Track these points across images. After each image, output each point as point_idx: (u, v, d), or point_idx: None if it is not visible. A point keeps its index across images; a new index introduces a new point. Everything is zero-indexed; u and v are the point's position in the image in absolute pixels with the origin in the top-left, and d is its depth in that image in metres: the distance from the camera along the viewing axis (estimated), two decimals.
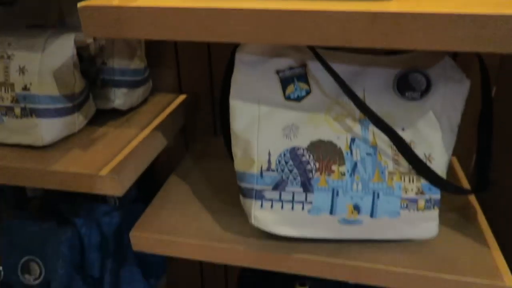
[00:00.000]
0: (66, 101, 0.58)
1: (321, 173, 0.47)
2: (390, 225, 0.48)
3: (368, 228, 0.49)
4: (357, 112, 0.49)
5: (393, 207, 0.48)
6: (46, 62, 0.56)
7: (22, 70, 0.55)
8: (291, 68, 0.49)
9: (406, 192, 0.48)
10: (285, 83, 0.49)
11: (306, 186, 0.47)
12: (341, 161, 0.48)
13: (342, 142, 0.48)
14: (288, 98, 0.49)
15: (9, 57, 0.56)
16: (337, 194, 0.47)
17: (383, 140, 0.49)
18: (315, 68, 0.49)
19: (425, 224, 0.49)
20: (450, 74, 0.49)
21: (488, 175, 0.52)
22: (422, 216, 0.48)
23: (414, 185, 0.48)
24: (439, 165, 0.48)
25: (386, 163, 0.48)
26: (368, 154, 0.48)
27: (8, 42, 0.57)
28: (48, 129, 0.57)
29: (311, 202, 0.48)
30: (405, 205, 0.48)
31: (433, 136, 0.48)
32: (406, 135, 0.48)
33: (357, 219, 0.48)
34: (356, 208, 0.48)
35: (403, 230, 0.49)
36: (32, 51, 0.56)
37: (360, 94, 0.49)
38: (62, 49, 0.57)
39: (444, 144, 0.49)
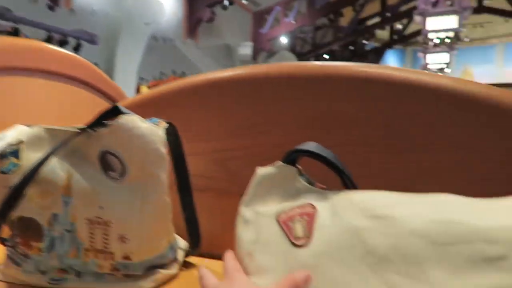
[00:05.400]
0: None
1: (25, 247, 0.50)
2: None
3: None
4: (61, 189, 0.48)
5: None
6: None
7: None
8: (10, 144, 0.49)
9: (101, 268, 0.50)
10: (1, 157, 0.48)
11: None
12: (41, 238, 0.49)
13: (43, 219, 0.49)
14: (1, 171, 0.48)
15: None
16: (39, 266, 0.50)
17: (82, 217, 0.48)
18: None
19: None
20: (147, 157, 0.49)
21: (198, 235, 0.58)
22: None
23: (108, 262, 0.49)
24: (134, 245, 0.49)
25: (83, 239, 0.49)
26: (67, 231, 0.49)
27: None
28: None
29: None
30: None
31: (130, 218, 0.48)
32: (104, 214, 0.48)
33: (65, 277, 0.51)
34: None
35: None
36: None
37: (68, 170, 0.49)
38: None
39: (141, 225, 0.49)
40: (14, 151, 0.48)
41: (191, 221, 0.57)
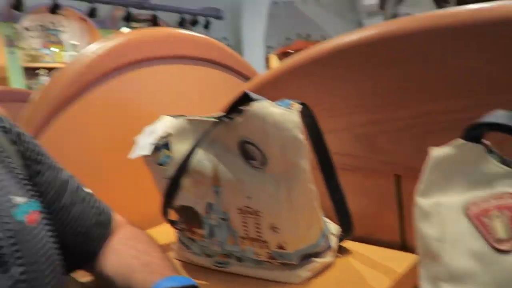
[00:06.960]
0: None
1: (189, 233, 0.53)
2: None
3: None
4: (210, 179, 0.48)
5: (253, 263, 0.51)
6: None
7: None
8: (161, 137, 0.51)
9: (258, 256, 0.49)
10: (156, 150, 0.51)
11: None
12: (201, 225, 0.51)
13: (201, 207, 0.50)
14: (158, 163, 0.51)
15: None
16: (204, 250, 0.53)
17: (233, 207, 0.48)
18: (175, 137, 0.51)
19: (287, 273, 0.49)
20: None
21: (349, 219, 0.54)
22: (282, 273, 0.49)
23: (264, 251, 0.48)
24: (285, 235, 0.46)
25: (237, 228, 0.48)
26: (222, 219, 0.49)
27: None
28: None
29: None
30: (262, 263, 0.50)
31: (277, 208, 0.45)
32: (252, 204, 0.46)
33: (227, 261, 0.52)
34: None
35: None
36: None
37: (213, 160, 0.48)
38: None
39: (289, 215, 0.46)
40: (165, 144, 0.50)
41: (339, 204, 0.53)
